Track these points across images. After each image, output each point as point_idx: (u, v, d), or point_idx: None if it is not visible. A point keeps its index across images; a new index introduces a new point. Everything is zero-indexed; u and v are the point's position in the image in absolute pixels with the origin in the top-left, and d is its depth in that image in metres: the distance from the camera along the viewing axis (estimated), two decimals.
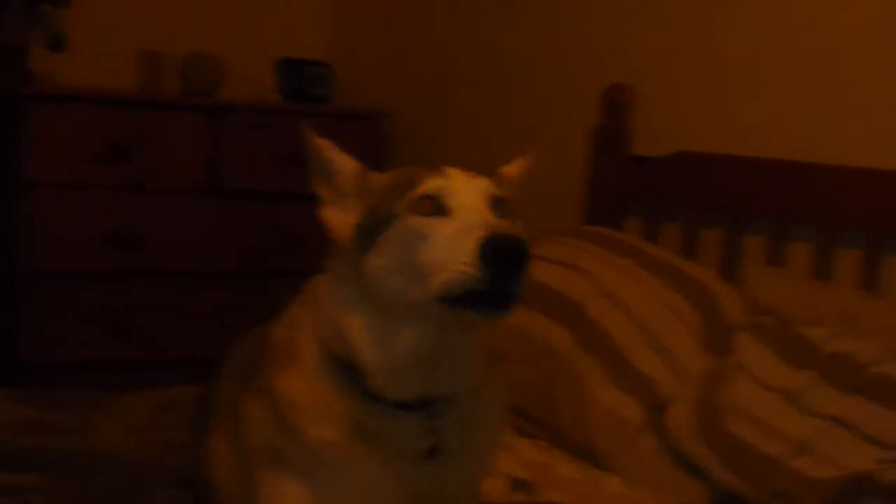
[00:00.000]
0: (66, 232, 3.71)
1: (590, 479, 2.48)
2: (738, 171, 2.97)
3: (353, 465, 1.65)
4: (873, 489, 2.08)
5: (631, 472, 2.49)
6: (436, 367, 1.64)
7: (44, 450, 2.27)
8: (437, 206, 1.57)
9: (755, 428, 2.30)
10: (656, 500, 2.39)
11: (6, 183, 3.72)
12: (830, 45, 2.80)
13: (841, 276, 2.71)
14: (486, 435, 1.77)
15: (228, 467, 1.79)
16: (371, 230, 1.61)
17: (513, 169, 1.79)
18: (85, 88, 3.96)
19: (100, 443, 2.39)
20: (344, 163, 1.70)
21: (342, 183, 1.69)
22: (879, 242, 2.64)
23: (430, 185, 1.59)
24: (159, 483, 2.14)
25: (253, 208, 3.95)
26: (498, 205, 1.60)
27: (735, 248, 2.98)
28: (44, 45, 3.91)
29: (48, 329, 3.69)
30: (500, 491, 2.28)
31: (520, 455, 2.53)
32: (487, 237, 1.46)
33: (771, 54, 2.96)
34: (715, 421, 2.37)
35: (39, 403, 2.62)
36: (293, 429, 1.65)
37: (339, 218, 1.67)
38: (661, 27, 3.27)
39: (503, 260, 1.45)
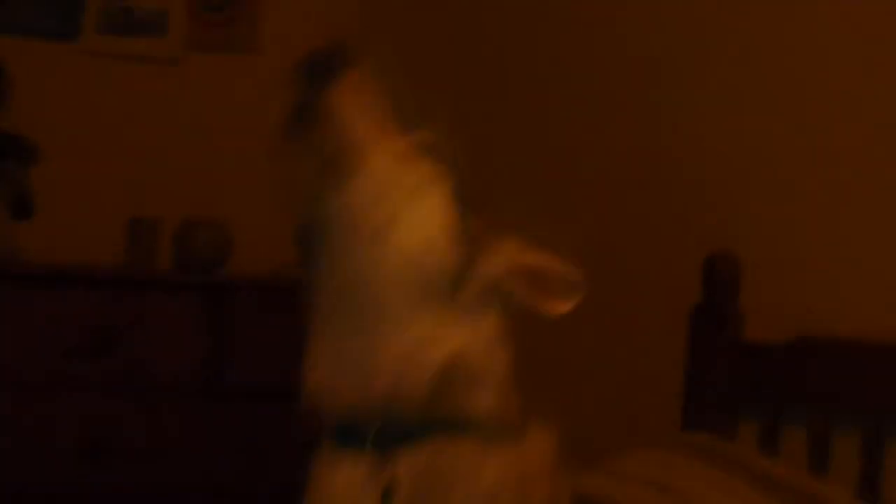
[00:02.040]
0: (30, 445, 3.38)
1: None
2: (879, 359, 2.74)
3: None
4: None
5: None
6: None
7: None
8: None
9: None
10: None
11: None
12: None
13: None
14: None
15: None
16: None
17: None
18: (57, 264, 3.63)
19: None
20: None
21: None
22: None
23: None
24: None
25: (264, 412, 3.60)
26: None
27: (877, 459, 2.71)
28: (6, 211, 3.63)
29: None
30: None
31: None
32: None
33: None
34: None
35: None
36: None
37: None
38: (769, 186, 3.07)
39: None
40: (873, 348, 2.71)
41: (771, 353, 2.87)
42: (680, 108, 3.28)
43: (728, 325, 2.93)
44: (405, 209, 1.60)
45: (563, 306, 1.62)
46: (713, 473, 2.59)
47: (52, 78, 3.81)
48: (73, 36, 3.85)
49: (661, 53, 3.36)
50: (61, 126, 3.78)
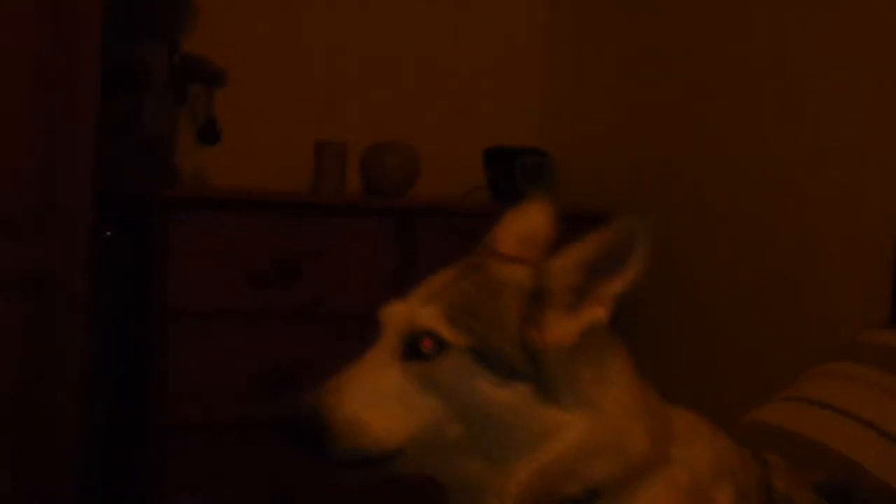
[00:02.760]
0: (216, 373, 3.36)
1: None
2: None
3: None
4: None
5: None
6: None
7: None
8: None
9: None
10: None
11: (142, 312, 3.42)
12: None
13: None
14: None
15: None
16: None
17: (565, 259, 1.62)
18: (243, 189, 3.68)
19: None
20: None
21: None
22: None
23: None
24: None
25: None
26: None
27: None
28: (193, 136, 3.68)
29: (193, 494, 3.34)
30: None
31: None
32: None
33: None
34: None
35: None
36: None
37: None
38: None
39: None
40: None
41: None
42: None
43: None
44: None
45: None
46: None
47: (240, 1, 3.82)
48: None
49: None
50: (248, 50, 3.81)
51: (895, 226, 3.10)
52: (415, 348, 1.52)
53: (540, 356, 1.52)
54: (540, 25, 4.33)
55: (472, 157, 3.98)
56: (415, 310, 1.55)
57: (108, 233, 3.42)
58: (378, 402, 1.54)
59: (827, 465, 2.45)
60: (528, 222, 1.75)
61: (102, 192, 3.23)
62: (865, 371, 2.69)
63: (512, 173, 3.90)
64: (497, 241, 1.72)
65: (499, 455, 1.53)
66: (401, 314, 1.55)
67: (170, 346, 3.34)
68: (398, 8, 4.09)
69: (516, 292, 1.54)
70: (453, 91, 4.18)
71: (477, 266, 1.63)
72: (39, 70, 3.09)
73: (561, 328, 1.53)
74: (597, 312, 1.53)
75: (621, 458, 1.54)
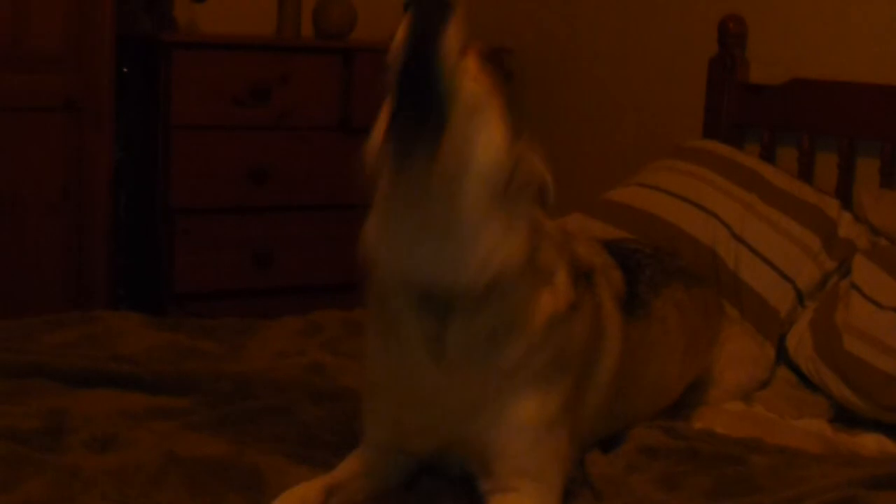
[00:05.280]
0: (209, 170, 3.84)
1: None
2: (851, 96, 3.06)
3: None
4: None
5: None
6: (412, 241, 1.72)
7: (197, 374, 2.37)
8: None
9: (871, 346, 2.40)
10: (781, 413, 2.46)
11: (151, 126, 3.82)
12: None
13: None
14: (510, 372, 1.78)
15: None
16: None
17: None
18: (225, 35, 4.05)
19: (249, 367, 2.50)
20: None
21: None
22: None
23: None
24: (305, 401, 2.26)
25: None
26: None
27: (849, 171, 3.08)
28: None
29: (195, 262, 3.83)
30: None
31: None
32: None
33: None
34: (832, 340, 2.48)
35: (192, 331, 2.75)
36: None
37: None
38: None
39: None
40: (850, 87, 3.05)
41: (770, 93, 3.25)
42: None
43: (736, 72, 3.34)
44: (478, 125, 1.66)
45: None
46: (732, 189, 2.94)
47: None
48: None
49: None
50: None
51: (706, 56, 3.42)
52: None
53: None
54: None
55: (396, 7, 4.35)
56: None
57: (125, 69, 3.82)
58: None
59: (655, 233, 2.86)
60: None
61: (121, 36, 3.63)
62: (692, 167, 3.08)
63: None
64: None
65: None
66: None
67: (174, 152, 3.77)
68: None
69: None
70: None
71: None
72: None
73: None
74: None
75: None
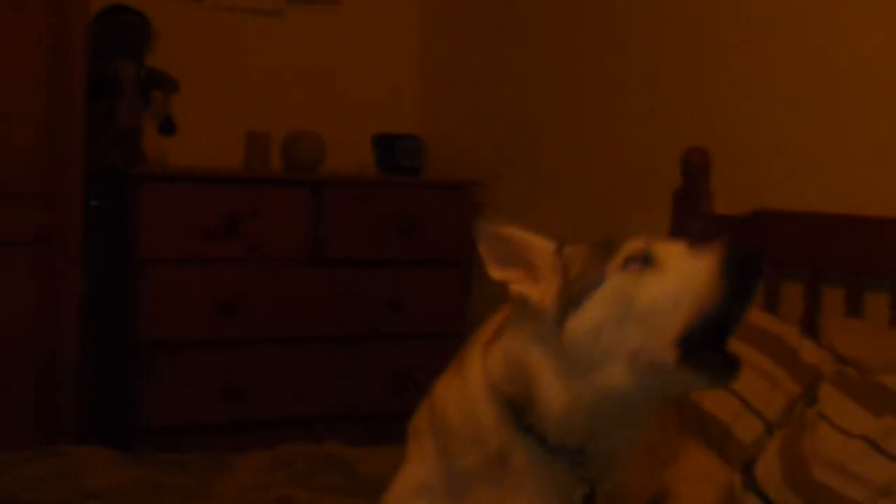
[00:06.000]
0: (179, 303, 3.82)
1: None
2: (816, 226, 3.08)
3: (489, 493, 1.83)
4: None
5: None
6: (612, 423, 1.78)
7: None
8: (644, 262, 1.71)
9: (839, 474, 2.39)
10: None
11: (120, 260, 3.81)
12: None
13: None
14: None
15: None
16: (577, 296, 1.74)
17: None
18: (194, 168, 4.07)
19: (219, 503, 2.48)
20: (540, 242, 1.85)
21: (541, 260, 1.83)
22: None
23: (635, 244, 1.74)
24: None
25: (354, 275, 4.02)
26: None
27: (814, 301, 3.07)
28: (155, 129, 4.04)
29: (164, 395, 3.79)
30: None
31: None
32: (728, 249, 1.61)
33: (846, 114, 3.10)
34: (800, 469, 2.46)
35: (161, 467, 2.74)
36: (444, 451, 1.85)
37: (540, 290, 1.80)
38: (735, 91, 3.42)
39: (748, 266, 1.61)
40: (814, 217, 3.05)
41: (735, 224, 3.22)
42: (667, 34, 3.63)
43: (701, 203, 3.34)
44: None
45: None
46: None
47: (187, 26, 4.16)
48: None
49: None
50: (195, 64, 4.14)
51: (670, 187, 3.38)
52: None
53: None
54: (414, 41, 4.64)
55: (363, 142, 4.35)
56: None
57: (94, 203, 3.80)
58: None
59: None
60: None
61: (89, 171, 3.63)
62: None
63: (393, 153, 4.29)
64: None
65: None
66: None
67: (144, 286, 3.73)
68: (299, 28, 4.41)
69: None
70: (348, 91, 4.52)
71: None
72: (41, 81, 3.50)
73: None
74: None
75: None
